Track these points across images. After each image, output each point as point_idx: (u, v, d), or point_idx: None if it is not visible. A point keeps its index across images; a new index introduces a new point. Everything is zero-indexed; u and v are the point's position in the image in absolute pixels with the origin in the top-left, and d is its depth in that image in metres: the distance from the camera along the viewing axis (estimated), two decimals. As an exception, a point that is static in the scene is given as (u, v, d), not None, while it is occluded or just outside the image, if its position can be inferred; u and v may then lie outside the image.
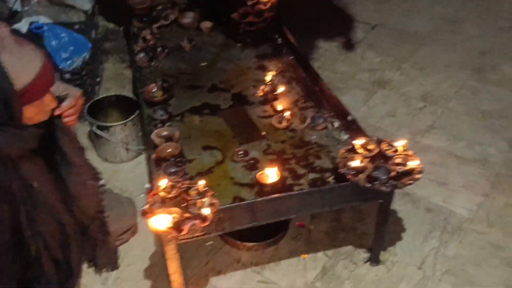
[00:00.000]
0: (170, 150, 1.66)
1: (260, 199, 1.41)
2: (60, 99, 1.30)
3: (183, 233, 1.27)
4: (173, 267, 1.44)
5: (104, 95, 2.25)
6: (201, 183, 1.38)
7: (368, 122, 2.43)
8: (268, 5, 2.35)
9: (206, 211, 1.30)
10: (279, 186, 1.56)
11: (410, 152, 1.51)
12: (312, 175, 1.62)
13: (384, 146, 1.52)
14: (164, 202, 1.34)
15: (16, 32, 1.15)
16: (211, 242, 1.82)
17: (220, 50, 2.37)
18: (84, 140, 2.32)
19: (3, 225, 1.25)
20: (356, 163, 1.44)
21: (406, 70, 2.82)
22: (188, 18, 2.52)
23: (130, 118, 2.04)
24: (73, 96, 1.35)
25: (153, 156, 1.60)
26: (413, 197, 2.00)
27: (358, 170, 1.44)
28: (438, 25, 3.26)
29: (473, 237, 1.82)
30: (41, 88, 1.19)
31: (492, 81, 2.70)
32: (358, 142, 1.53)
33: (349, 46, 3.09)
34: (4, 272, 1.27)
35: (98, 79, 2.72)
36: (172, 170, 1.56)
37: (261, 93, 2.01)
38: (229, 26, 2.43)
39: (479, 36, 3.13)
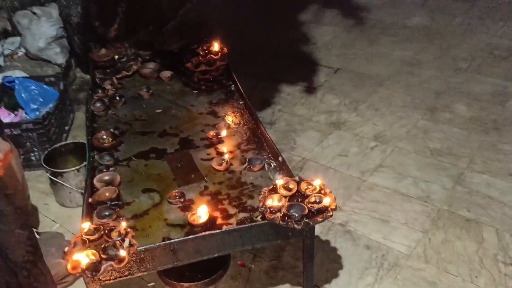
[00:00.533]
0: (107, 194, 1.75)
1: (178, 239, 1.48)
2: None
3: (99, 274, 1.33)
4: (100, 308, 1.49)
5: (63, 142, 2.37)
6: (123, 224, 1.46)
7: (320, 162, 2.52)
8: (219, 55, 2.50)
9: (123, 253, 1.37)
10: (208, 226, 1.63)
11: (327, 190, 1.58)
12: (242, 215, 1.69)
13: (303, 185, 1.60)
14: (86, 244, 1.41)
15: None
16: (153, 284, 1.87)
17: (176, 97, 2.50)
18: (46, 186, 2.42)
19: None
20: (272, 201, 1.51)
21: (362, 112, 2.93)
22: (149, 68, 2.68)
23: (82, 164, 2.15)
24: (2, 150, 1.47)
25: (88, 200, 1.69)
26: (354, 235, 2.05)
27: (277, 209, 1.52)
28: (398, 68, 3.40)
29: (408, 273, 1.86)
30: None
31: (444, 119, 2.79)
32: (279, 182, 1.61)
33: (310, 90, 3.23)
34: None
35: (66, 127, 2.86)
36: (106, 213, 1.64)
37: (207, 137, 2.12)
38: (186, 75, 2.58)
39: (436, 77, 3.25)
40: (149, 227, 1.66)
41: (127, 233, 1.45)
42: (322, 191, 1.59)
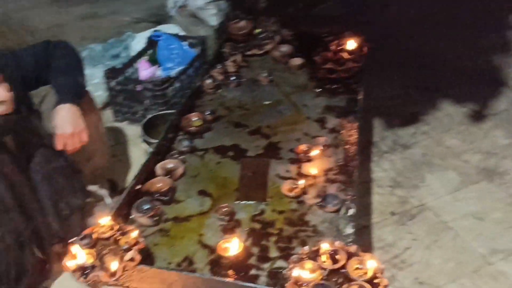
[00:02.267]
0: (160, 185, 1.62)
1: (176, 272, 1.27)
2: None
3: (86, 280, 1.22)
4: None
5: (171, 110, 2.33)
6: (134, 234, 1.30)
7: (442, 217, 1.95)
8: (353, 55, 2.08)
9: (114, 266, 1.22)
10: (234, 263, 1.37)
11: (383, 282, 1.15)
12: (279, 263, 1.38)
13: (352, 263, 1.19)
14: (92, 241, 1.30)
15: None
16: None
17: (293, 91, 2.20)
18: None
19: None
20: (297, 273, 1.16)
21: (535, 165, 2.17)
22: (281, 51, 2.41)
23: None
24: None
25: (136, 187, 1.58)
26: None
27: (303, 283, 1.16)
28: None
29: None
30: None
31: None
32: (324, 246, 1.23)
33: (477, 116, 2.53)
34: None
35: (194, 92, 2.83)
36: (145, 207, 1.52)
37: (296, 150, 1.80)
38: (313, 68, 2.25)
39: None
40: (180, 238, 1.48)
41: (135, 243, 1.29)
42: (377, 279, 1.16)
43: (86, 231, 1.33)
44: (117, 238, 1.31)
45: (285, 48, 2.43)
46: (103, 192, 1.96)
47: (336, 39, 2.19)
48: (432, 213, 1.96)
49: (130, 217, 1.52)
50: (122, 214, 1.51)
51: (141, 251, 1.29)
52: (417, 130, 2.45)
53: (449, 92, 2.68)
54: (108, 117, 2.69)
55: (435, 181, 2.13)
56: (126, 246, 1.28)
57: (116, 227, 1.33)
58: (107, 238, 1.32)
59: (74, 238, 1.31)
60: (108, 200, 1.96)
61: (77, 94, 1.60)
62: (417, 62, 2.89)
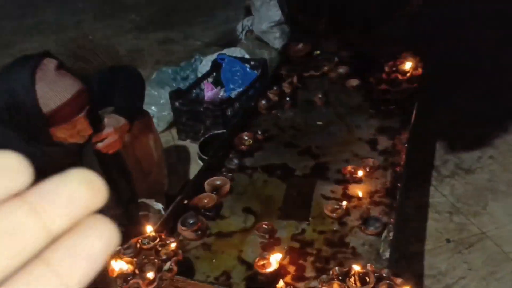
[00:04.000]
0: (206, 201, 1.70)
1: (202, 283, 1.32)
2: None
3: (126, 287, 1.31)
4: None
5: (221, 131, 2.42)
6: (173, 245, 1.38)
7: (502, 246, 1.83)
8: (408, 75, 2.03)
9: (150, 275, 1.30)
10: (270, 280, 1.40)
11: (412, 311, 1.11)
12: (314, 284, 1.38)
13: (382, 287, 1.16)
14: (136, 250, 1.40)
15: (61, 67, 1.41)
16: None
17: (347, 112, 2.20)
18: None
19: None
20: (327, 292, 1.16)
21: None
22: (337, 73, 2.42)
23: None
24: (110, 126, 1.56)
25: (184, 201, 1.67)
26: None
27: (329, 303, 1.16)
28: None
29: None
30: (68, 113, 1.37)
31: None
32: (355, 267, 1.22)
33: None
34: None
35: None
36: (190, 221, 1.60)
37: (344, 171, 1.79)
38: (368, 89, 2.23)
39: None
40: (221, 253, 1.54)
41: (174, 255, 1.37)
42: (407, 307, 1.13)
43: (131, 241, 1.43)
44: (158, 249, 1.39)
45: (342, 69, 2.44)
46: (159, 206, 2.08)
47: (391, 60, 2.16)
48: (492, 243, 1.84)
49: (177, 230, 1.61)
50: (169, 227, 1.60)
51: (179, 263, 1.36)
52: (483, 154, 2.31)
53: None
54: (174, 136, 2.86)
55: (498, 209, 1.99)
56: (164, 257, 1.36)
57: (158, 238, 1.42)
58: (149, 249, 1.41)
59: (119, 248, 1.41)
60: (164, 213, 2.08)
61: (130, 113, 1.67)
62: (487, 84, 2.74)
